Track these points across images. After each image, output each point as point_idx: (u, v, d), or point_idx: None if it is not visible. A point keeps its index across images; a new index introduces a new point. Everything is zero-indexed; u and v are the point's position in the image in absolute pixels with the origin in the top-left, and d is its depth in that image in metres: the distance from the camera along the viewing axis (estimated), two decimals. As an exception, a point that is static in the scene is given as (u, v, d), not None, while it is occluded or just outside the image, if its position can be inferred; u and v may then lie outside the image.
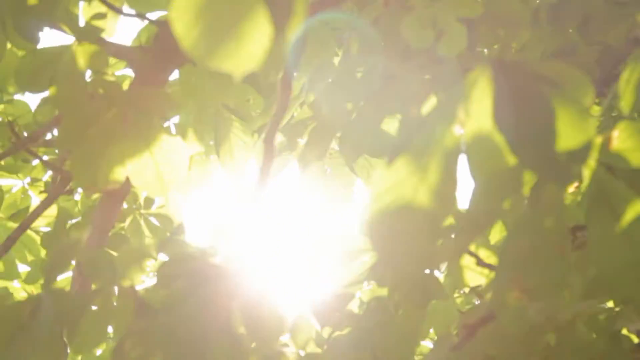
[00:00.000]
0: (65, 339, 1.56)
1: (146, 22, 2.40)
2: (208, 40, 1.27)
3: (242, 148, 3.72)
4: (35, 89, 2.35)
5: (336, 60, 3.50)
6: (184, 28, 1.27)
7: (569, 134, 1.41)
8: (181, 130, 2.63)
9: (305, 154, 3.35)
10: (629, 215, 1.57)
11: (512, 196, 1.56)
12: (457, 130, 1.52)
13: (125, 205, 3.72)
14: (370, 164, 3.19)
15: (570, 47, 2.86)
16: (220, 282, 1.65)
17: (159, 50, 2.44)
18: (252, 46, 1.27)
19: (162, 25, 2.34)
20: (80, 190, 3.53)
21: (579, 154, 1.41)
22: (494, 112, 1.43)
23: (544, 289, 1.69)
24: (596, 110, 2.92)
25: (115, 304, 1.66)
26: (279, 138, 4.09)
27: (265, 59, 1.27)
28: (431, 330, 3.48)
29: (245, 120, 3.68)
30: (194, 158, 3.67)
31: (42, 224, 3.80)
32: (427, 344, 3.58)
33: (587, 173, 1.59)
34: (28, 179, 3.65)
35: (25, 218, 3.11)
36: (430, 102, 1.55)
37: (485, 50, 2.80)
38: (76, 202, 3.70)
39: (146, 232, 3.63)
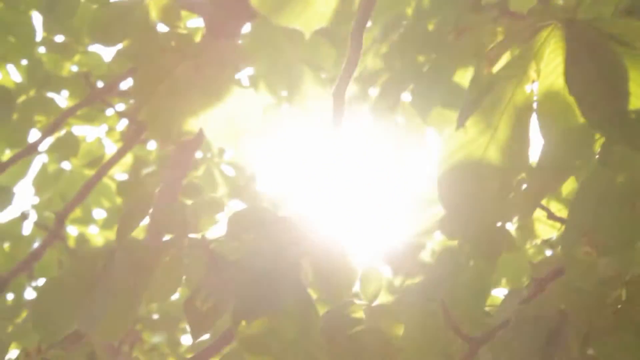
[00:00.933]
0: (138, 289, 1.59)
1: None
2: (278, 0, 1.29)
3: (315, 98, 3.73)
4: (109, 42, 2.38)
5: (409, 10, 3.49)
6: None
7: (640, 96, 1.40)
8: (253, 82, 2.64)
9: (377, 105, 3.35)
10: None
11: (583, 153, 1.55)
12: (529, 88, 1.52)
13: (199, 154, 3.76)
14: (443, 116, 3.18)
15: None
16: (289, 233, 1.67)
17: (231, 2, 2.45)
18: (320, 3, 1.28)
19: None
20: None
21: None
22: (566, 71, 1.43)
23: (614, 243, 1.68)
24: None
25: (187, 255, 1.69)
26: (352, 89, 4.09)
27: (334, 15, 1.28)
28: (504, 281, 3.48)
29: (317, 71, 3.69)
30: (267, 109, 3.70)
31: (118, 171, 3.86)
32: (499, 295, 3.58)
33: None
34: (105, 128, 3.70)
35: (101, 166, 3.16)
36: (503, 59, 1.54)
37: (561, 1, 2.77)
38: (151, 151, 3.76)
39: (220, 180, 3.67)
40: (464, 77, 3.27)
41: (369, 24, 3.40)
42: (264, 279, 1.56)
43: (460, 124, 1.47)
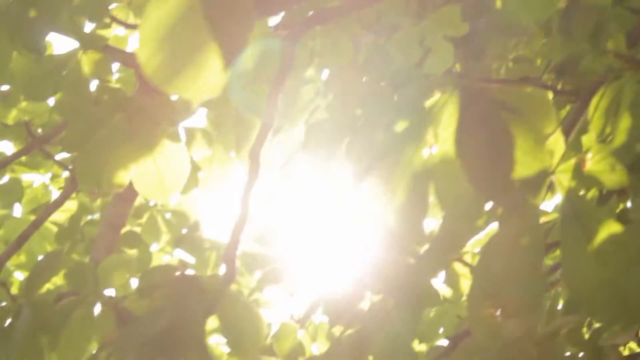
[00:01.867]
0: (43, 350, 1.61)
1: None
2: (169, 69, 1.33)
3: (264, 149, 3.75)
4: (41, 96, 2.42)
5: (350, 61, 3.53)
6: (148, 56, 1.33)
7: (525, 162, 1.44)
8: (191, 134, 2.68)
9: (315, 155, 3.39)
10: (601, 235, 1.59)
11: (478, 220, 1.59)
12: (427, 152, 1.56)
13: (144, 202, 3.78)
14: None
15: (579, 56, 2.88)
16: (196, 292, 1.70)
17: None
18: (210, 76, 1.32)
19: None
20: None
21: (535, 182, 1.44)
22: (456, 136, 1.47)
23: (520, 306, 1.71)
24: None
25: (97, 313, 1.72)
26: (297, 137, 4.13)
27: (222, 87, 1.32)
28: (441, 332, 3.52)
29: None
30: (215, 156, 3.72)
31: (63, 218, 3.88)
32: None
33: (561, 193, 1.62)
34: (49, 175, 3.73)
35: (42, 212, 3.18)
36: (402, 123, 1.58)
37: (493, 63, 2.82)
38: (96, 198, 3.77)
39: (163, 228, 3.69)
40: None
41: (310, 72, 3.47)
42: (166, 336, 1.58)
43: (356, 183, 1.50)
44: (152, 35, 1.33)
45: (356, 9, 1.78)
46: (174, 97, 2.70)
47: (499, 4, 2.02)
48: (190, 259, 3.77)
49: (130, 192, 2.96)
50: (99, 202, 3.77)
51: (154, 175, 2.44)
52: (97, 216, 3.70)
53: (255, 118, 3.75)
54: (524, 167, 1.43)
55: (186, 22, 1.32)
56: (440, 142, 1.55)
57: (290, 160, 3.50)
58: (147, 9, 1.32)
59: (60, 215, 3.74)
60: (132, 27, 2.48)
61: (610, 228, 1.58)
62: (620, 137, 1.75)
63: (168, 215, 3.68)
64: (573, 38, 2.92)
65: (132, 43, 3.13)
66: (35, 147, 2.90)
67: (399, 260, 2.06)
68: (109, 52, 2.52)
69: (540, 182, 1.44)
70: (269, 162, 4.11)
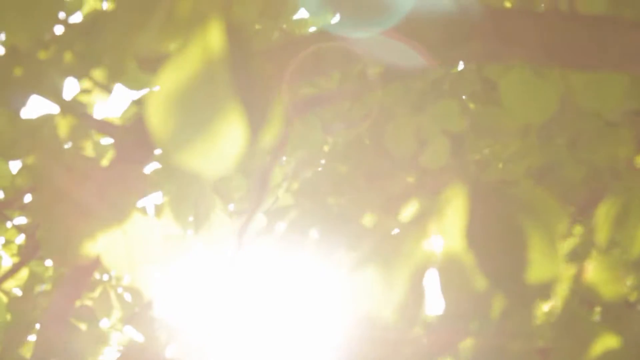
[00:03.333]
0: None
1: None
2: (181, 138, 1.26)
3: (222, 227, 3.70)
4: (14, 157, 2.33)
5: (326, 148, 3.51)
6: (159, 123, 1.26)
7: (539, 264, 1.39)
8: (159, 208, 2.60)
9: (284, 240, 3.33)
10: (597, 349, 1.55)
11: (479, 316, 1.54)
12: (429, 244, 1.50)
13: (97, 275, 3.68)
14: (348, 259, 3.17)
15: (557, 163, 2.87)
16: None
17: (142, 129, 2.42)
18: (226, 148, 1.25)
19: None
20: (53, 256, 3.48)
21: (547, 286, 1.39)
22: (467, 232, 1.42)
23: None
24: (578, 230, 2.91)
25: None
26: (260, 222, 4.07)
27: (239, 161, 1.25)
28: None
29: (226, 200, 3.67)
30: (171, 234, 3.65)
31: (13, 285, 3.76)
32: None
33: (559, 301, 1.59)
34: (2, 240, 3.61)
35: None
36: (406, 213, 1.53)
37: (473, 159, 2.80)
38: (48, 267, 3.66)
39: (115, 304, 3.59)
40: (370, 222, 3.28)
41: (283, 158, 3.41)
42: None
43: (356, 269, 1.44)
44: (165, 101, 1.26)
45: (354, 95, 1.73)
46: (147, 169, 2.63)
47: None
48: (140, 337, 3.66)
49: (88, 264, 2.86)
50: (50, 271, 3.66)
51: (123, 248, 2.36)
52: (47, 287, 3.58)
53: (216, 197, 3.70)
54: (539, 269, 1.39)
55: (205, 90, 1.25)
56: (445, 237, 1.50)
57: (251, 244, 3.43)
58: (162, 71, 1.25)
59: (9, 284, 3.62)
60: (109, 91, 2.41)
61: (606, 341, 1.54)
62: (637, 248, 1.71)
63: (121, 291, 3.58)
64: (552, 143, 2.91)
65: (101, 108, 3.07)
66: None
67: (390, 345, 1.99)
68: (86, 118, 2.44)
69: (551, 287, 1.39)
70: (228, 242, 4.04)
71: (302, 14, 3.73)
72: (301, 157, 3.34)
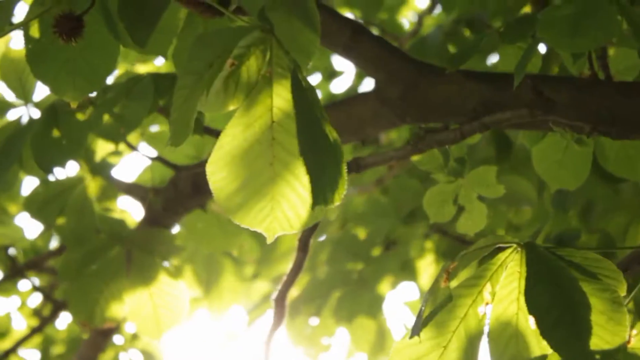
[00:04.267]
0: None
1: (157, 161, 2.42)
2: (242, 199, 1.27)
3: (232, 292, 3.69)
4: (45, 219, 2.34)
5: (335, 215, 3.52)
6: (220, 182, 1.27)
7: (603, 329, 1.38)
8: (176, 271, 2.61)
9: (298, 306, 3.32)
10: None
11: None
12: (482, 310, 1.50)
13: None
14: (364, 326, 3.17)
15: (572, 232, 2.88)
16: None
17: (172, 193, 2.44)
18: (288, 211, 1.26)
19: (178, 169, 2.35)
20: (66, 319, 3.48)
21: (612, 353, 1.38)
22: (526, 293, 1.41)
23: None
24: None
25: None
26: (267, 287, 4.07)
27: (304, 224, 1.26)
28: None
29: (239, 265, 3.67)
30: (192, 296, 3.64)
31: (29, 347, 3.74)
32: None
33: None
34: (17, 302, 3.60)
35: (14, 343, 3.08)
36: (457, 278, 1.52)
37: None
38: (59, 330, 3.65)
39: (128, 368, 3.56)
40: (387, 289, 3.28)
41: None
42: None
43: (414, 333, 1.44)
44: (227, 161, 1.28)
45: (393, 159, 1.75)
46: (173, 231, 2.64)
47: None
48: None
49: (107, 328, 2.86)
50: (63, 334, 3.64)
51: (150, 311, 2.36)
52: (63, 350, 3.57)
53: (228, 260, 3.70)
54: (603, 334, 1.37)
55: (265, 154, 1.27)
56: (497, 301, 1.49)
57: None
58: (224, 132, 1.27)
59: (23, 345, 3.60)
60: (136, 150, 2.44)
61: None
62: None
63: (133, 354, 3.56)
64: (566, 213, 2.92)
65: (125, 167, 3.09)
66: (18, 274, 2.81)
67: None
68: (115, 180, 2.46)
69: (616, 353, 1.38)
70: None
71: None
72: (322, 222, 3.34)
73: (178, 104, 1.21)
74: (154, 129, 2.50)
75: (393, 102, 1.83)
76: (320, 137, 1.21)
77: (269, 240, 1.27)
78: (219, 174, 1.27)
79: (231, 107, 1.28)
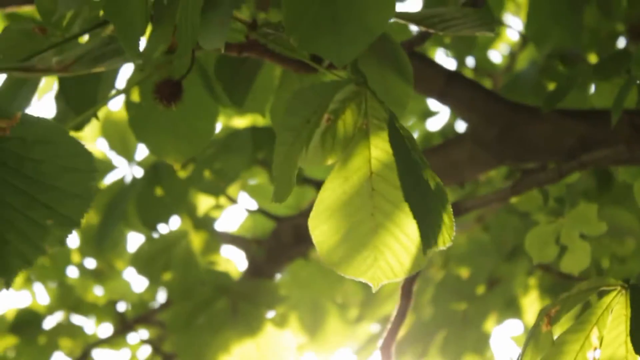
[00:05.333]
0: None
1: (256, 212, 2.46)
2: (346, 250, 1.29)
3: (338, 335, 3.70)
4: (151, 274, 2.40)
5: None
6: (323, 235, 1.29)
7: None
8: (282, 320, 2.63)
9: (404, 348, 3.32)
10: None
11: None
12: (591, 355, 1.48)
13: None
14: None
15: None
16: None
17: (274, 244, 2.47)
18: (391, 259, 1.27)
19: (280, 221, 2.38)
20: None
21: None
22: (632, 336, 1.40)
23: None
24: None
25: None
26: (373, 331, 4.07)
27: (408, 272, 1.27)
28: None
29: (343, 308, 3.68)
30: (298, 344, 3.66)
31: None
32: None
33: None
34: (128, 354, 3.67)
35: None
36: (561, 323, 1.51)
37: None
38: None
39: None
40: (492, 325, 3.26)
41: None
42: None
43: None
44: (329, 214, 1.29)
45: (492, 202, 1.75)
46: (277, 280, 2.67)
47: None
48: None
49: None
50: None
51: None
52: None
53: (332, 305, 3.71)
54: None
55: (366, 205, 1.29)
56: (605, 345, 1.47)
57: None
58: (324, 186, 1.29)
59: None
60: (236, 203, 2.48)
61: None
62: None
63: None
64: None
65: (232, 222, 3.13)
66: (127, 329, 2.87)
67: None
68: (218, 233, 2.50)
69: None
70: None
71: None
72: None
73: (278, 161, 1.24)
74: (254, 181, 2.54)
75: (489, 144, 1.83)
76: (422, 183, 1.22)
77: (374, 290, 1.28)
78: (321, 228, 1.29)
79: (330, 162, 1.30)
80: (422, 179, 1.20)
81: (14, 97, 1.33)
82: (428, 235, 1.17)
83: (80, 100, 1.42)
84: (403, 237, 1.25)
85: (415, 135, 3.43)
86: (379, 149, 1.28)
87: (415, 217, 1.15)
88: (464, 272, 3.15)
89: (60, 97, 1.48)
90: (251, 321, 2.42)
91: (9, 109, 1.06)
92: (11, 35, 1.33)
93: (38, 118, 1.05)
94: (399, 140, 1.21)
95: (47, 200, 1.03)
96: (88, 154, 1.05)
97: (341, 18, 1.18)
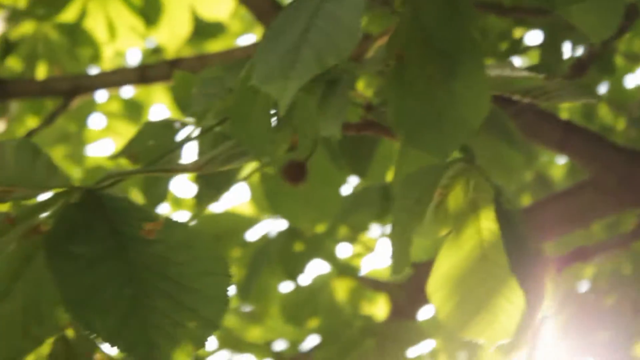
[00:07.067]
0: None
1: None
2: (462, 314, 1.39)
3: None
4: (299, 322, 2.53)
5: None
6: (441, 301, 1.40)
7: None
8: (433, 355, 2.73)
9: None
10: None
11: None
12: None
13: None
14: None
15: None
16: None
17: (413, 286, 2.58)
18: (505, 320, 1.37)
19: (418, 266, 2.49)
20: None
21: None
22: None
23: None
24: None
25: None
26: None
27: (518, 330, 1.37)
28: None
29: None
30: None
31: None
32: None
33: None
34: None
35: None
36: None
37: None
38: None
39: None
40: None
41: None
42: None
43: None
44: (445, 281, 1.40)
45: (614, 247, 1.82)
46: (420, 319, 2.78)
47: None
48: None
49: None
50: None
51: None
52: None
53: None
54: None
55: (479, 271, 1.39)
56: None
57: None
58: (439, 255, 1.40)
59: None
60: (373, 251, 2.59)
61: None
62: None
63: None
64: None
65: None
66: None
67: None
68: (361, 278, 2.63)
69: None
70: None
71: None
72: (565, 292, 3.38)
73: (395, 239, 1.35)
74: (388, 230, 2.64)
75: (610, 191, 1.90)
76: (526, 253, 1.31)
77: (491, 349, 1.38)
78: (438, 294, 1.40)
79: (442, 233, 1.40)
80: (527, 249, 1.29)
81: (152, 196, 1.48)
82: (533, 305, 1.27)
83: (218, 183, 1.56)
84: (515, 299, 1.35)
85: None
86: (489, 219, 1.38)
87: (522, 285, 1.25)
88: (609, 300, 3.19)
89: (201, 180, 1.63)
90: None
91: (152, 212, 1.19)
92: (149, 132, 1.48)
93: (177, 221, 1.16)
94: (504, 216, 1.31)
95: (190, 303, 1.11)
96: (224, 259, 1.14)
97: (443, 116, 1.29)
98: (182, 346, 1.12)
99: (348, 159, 1.60)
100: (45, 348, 1.29)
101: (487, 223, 1.39)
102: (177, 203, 3.37)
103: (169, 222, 1.16)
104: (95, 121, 5.07)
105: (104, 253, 1.12)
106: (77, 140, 3.45)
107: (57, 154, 3.44)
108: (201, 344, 1.10)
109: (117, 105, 3.60)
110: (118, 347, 1.10)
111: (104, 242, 1.13)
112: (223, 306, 1.12)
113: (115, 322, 1.11)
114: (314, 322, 2.55)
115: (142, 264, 1.13)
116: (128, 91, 3.54)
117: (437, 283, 1.42)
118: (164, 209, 2.73)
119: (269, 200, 1.71)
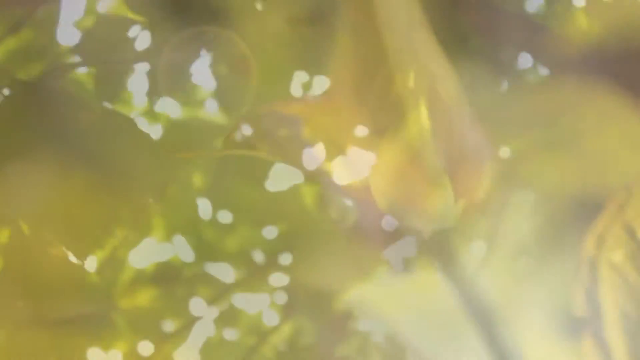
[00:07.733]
0: None
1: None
2: (400, 201, 1.44)
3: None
4: (263, 224, 2.56)
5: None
6: (380, 190, 1.45)
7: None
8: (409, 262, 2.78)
9: None
10: None
11: None
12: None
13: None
14: None
15: None
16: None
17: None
18: (438, 209, 1.42)
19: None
20: None
21: None
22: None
23: None
24: None
25: None
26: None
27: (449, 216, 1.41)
28: None
29: None
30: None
31: (279, 340, 3.96)
32: None
33: None
34: (268, 300, 3.84)
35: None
36: None
37: None
38: (307, 324, 3.87)
39: (374, 353, 3.73)
40: None
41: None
42: None
43: None
44: (385, 171, 1.45)
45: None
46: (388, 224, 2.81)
47: None
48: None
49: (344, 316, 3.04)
50: (310, 327, 3.85)
51: (372, 300, 2.54)
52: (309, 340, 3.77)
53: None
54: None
55: (418, 160, 1.43)
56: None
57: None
58: (381, 146, 1.44)
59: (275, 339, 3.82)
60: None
61: None
62: None
63: (378, 340, 3.72)
64: None
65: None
66: (257, 274, 3.04)
67: None
68: (329, 185, 2.66)
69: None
70: None
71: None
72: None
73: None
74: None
75: None
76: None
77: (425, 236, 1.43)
78: (379, 185, 1.45)
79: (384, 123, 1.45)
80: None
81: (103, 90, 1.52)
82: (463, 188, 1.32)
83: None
84: (448, 192, 1.40)
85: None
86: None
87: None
88: None
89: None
90: (364, 263, 2.57)
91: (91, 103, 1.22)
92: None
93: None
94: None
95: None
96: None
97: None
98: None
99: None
100: (3, 236, 1.32)
101: (423, 115, 1.42)
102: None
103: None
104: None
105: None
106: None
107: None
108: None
109: None
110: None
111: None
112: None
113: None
114: (282, 227, 2.57)
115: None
116: None
117: (378, 174, 1.46)
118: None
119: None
